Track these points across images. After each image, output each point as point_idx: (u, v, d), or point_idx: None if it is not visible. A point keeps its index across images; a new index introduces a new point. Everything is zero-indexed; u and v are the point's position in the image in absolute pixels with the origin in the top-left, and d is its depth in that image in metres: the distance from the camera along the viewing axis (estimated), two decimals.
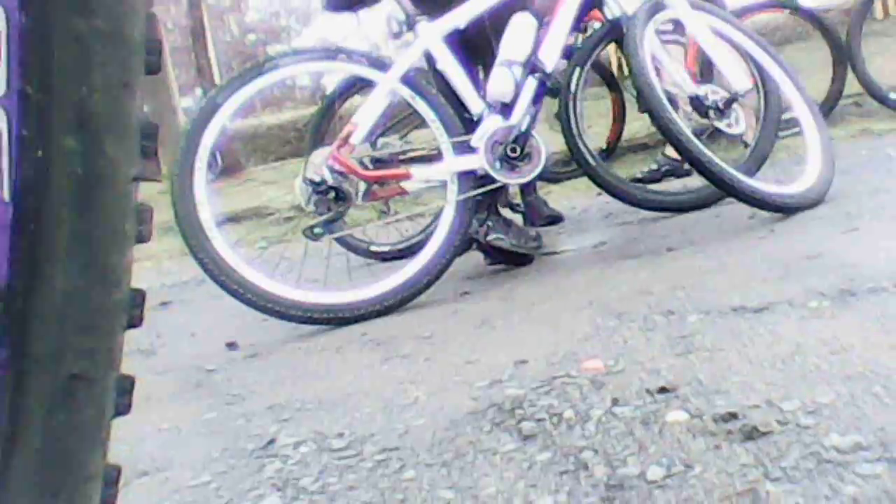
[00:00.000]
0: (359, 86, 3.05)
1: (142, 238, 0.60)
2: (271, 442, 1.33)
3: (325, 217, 2.37)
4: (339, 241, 3.07)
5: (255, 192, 6.59)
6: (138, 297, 0.60)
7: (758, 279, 1.78)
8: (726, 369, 1.27)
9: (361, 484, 1.10)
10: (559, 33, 2.62)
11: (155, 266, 5.12)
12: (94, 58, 0.54)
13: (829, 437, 0.96)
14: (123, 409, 0.61)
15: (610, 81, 4.28)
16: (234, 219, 5.78)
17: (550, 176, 4.11)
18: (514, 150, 2.46)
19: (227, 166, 8.55)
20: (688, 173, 3.72)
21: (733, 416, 1.07)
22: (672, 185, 3.68)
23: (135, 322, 0.61)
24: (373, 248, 3.35)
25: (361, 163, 2.43)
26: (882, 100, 4.54)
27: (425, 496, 1.03)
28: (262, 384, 1.79)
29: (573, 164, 3.47)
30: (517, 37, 2.61)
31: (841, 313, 1.43)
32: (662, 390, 1.22)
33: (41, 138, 0.53)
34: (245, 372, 1.95)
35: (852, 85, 4.64)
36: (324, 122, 3.18)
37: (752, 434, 1.00)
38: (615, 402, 1.21)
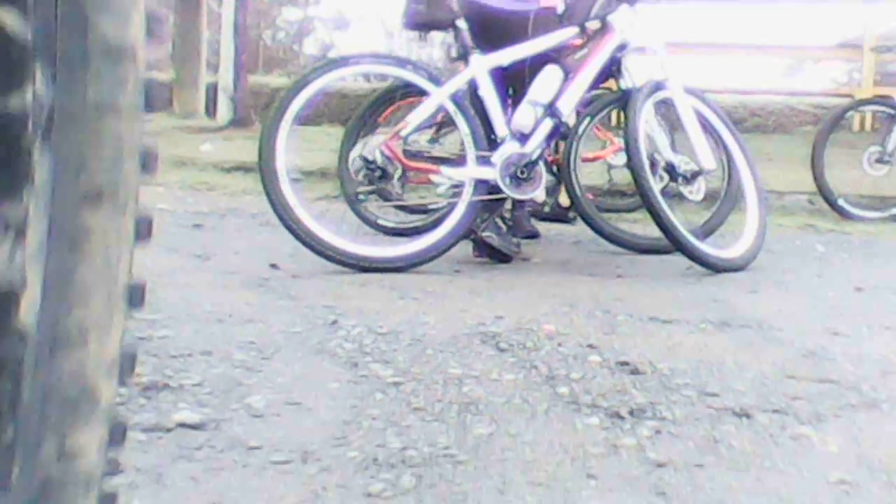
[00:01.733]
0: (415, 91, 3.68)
1: None
2: (334, 322, 2.02)
3: (368, 188, 3.06)
4: (354, 210, 3.69)
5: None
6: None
7: (674, 306, 2.50)
8: (632, 345, 1.98)
9: (401, 352, 1.80)
10: (578, 89, 3.32)
11: (168, 193, 5.70)
12: None
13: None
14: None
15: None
16: (240, 168, 6.31)
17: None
18: (522, 173, 3.17)
19: (240, 118, 9.00)
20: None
21: (626, 363, 1.78)
22: (640, 229, 4.39)
23: None
24: (380, 221, 3.98)
25: (405, 154, 3.12)
26: (832, 204, 5.23)
27: (440, 363, 1.73)
28: (312, 294, 2.46)
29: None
30: (545, 83, 3.31)
31: (716, 333, 2.15)
32: (590, 346, 1.93)
33: None
34: (294, 284, 2.63)
35: (812, 185, 5.34)
36: (378, 108, 3.75)
37: (633, 371, 1.71)
38: (559, 345, 1.92)
